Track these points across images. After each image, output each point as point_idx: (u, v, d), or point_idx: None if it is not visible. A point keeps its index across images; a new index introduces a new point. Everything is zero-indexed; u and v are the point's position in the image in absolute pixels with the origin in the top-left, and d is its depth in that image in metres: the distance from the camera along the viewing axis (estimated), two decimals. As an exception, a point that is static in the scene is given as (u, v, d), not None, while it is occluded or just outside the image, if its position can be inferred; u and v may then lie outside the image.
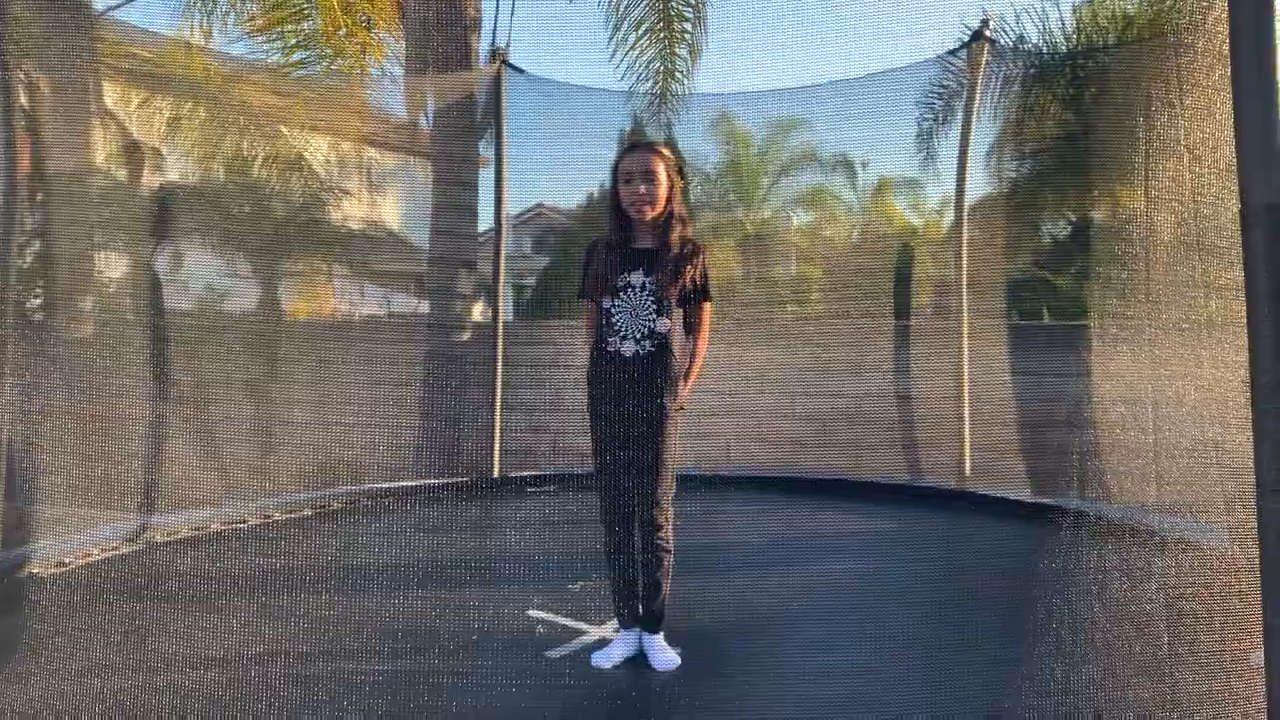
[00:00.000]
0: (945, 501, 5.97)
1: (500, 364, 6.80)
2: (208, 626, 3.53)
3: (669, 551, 3.21)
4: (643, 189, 3.18)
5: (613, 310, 3.20)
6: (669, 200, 3.23)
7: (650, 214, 3.21)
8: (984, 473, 6.13)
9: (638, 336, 3.17)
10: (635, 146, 3.32)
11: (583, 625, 3.59)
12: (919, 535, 5.38)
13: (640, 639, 3.26)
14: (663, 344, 3.17)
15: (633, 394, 3.15)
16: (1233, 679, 2.05)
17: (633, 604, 3.26)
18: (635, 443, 3.17)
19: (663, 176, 3.21)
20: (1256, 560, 1.77)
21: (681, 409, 3.24)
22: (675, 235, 3.23)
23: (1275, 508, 1.72)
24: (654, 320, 3.18)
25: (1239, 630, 2.03)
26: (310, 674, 3.08)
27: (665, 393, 3.17)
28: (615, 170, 3.25)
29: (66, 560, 4.36)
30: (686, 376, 3.26)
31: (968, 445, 6.15)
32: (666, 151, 3.29)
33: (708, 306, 3.32)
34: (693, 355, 3.28)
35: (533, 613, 3.74)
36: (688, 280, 3.22)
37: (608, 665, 3.19)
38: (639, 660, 3.23)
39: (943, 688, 2.99)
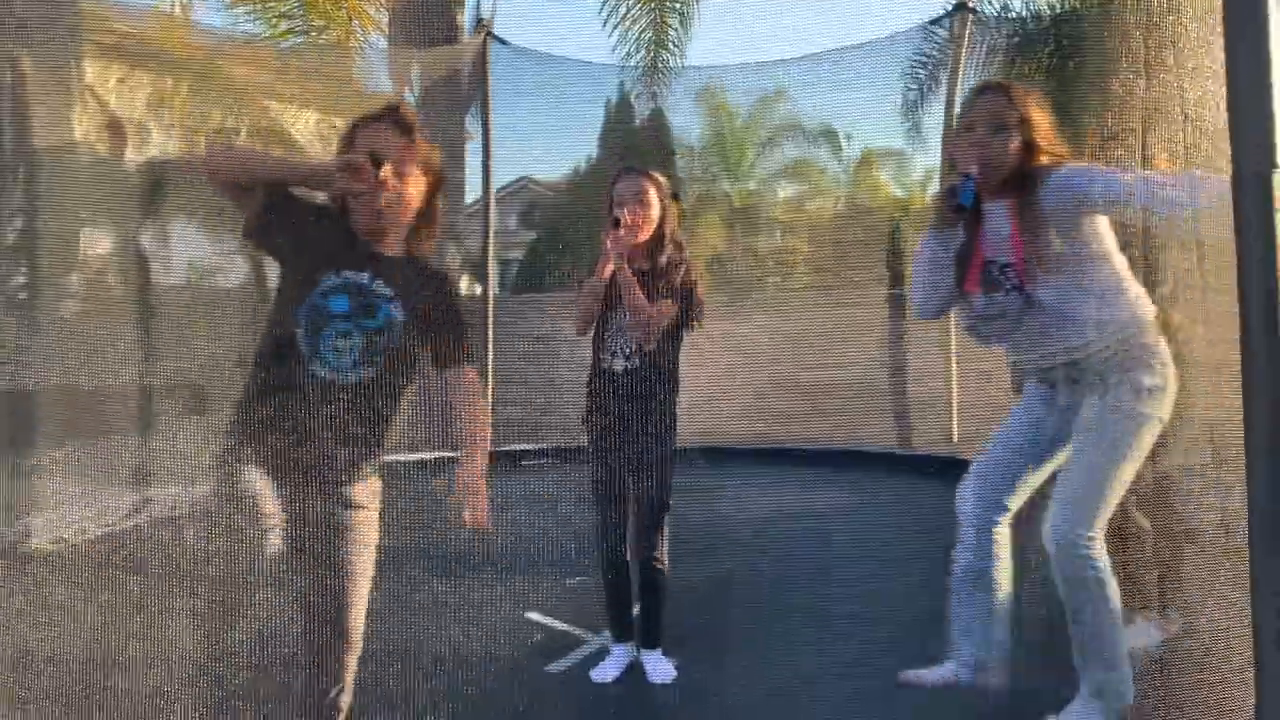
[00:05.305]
0: (936, 468, 6.01)
1: (491, 338, 6.81)
2: (199, 605, 3.52)
3: (663, 573, 3.17)
4: (630, 215, 3.10)
5: (604, 328, 3.19)
6: (661, 223, 3.20)
7: (640, 237, 3.15)
8: (972, 439, 6.18)
9: (625, 353, 3.15)
10: (629, 171, 3.26)
11: (579, 632, 3.59)
12: (910, 501, 5.42)
13: (638, 652, 3.24)
14: (651, 362, 3.13)
15: (625, 411, 3.13)
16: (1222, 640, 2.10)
17: (626, 621, 3.24)
18: (630, 462, 3.15)
19: (654, 200, 3.18)
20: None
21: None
22: (664, 258, 3.18)
23: (1267, 476, 1.72)
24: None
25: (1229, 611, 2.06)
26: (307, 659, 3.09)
27: (657, 411, 3.14)
28: (609, 194, 3.21)
29: (64, 535, 4.35)
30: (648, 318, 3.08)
31: (955, 411, 6.21)
32: (660, 176, 3.27)
33: (669, 303, 3.12)
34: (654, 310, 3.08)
35: (530, 614, 3.77)
36: (662, 289, 3.12)
37: (608, 680, 3.16)
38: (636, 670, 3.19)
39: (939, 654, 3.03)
